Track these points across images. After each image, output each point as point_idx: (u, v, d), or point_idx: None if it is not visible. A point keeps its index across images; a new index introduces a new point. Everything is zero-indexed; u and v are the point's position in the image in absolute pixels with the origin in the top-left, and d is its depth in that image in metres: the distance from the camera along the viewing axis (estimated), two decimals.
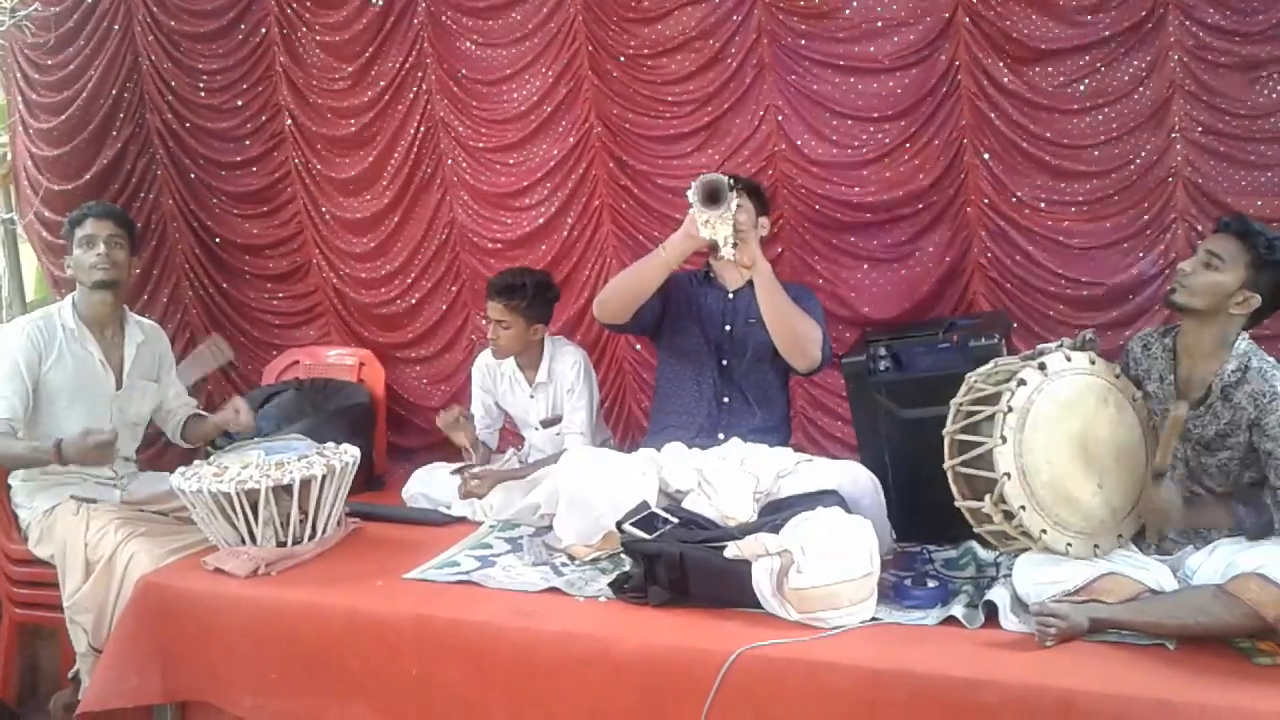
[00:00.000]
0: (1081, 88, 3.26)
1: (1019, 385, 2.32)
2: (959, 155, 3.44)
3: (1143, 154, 3.25)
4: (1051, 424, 2.32)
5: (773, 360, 3.07)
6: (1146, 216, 3.28)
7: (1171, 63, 3.18)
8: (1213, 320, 2.34)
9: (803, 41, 3.51)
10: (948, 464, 2.42)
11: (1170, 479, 2.34)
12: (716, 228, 2.84)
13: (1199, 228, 3.20)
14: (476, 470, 3.35)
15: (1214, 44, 3.13)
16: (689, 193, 2.84)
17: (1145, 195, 3.27)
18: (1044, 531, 2.28)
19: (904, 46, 3.41)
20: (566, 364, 3.46)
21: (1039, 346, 2.50)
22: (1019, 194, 3.38)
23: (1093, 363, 2.42)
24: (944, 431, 2.44)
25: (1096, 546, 2.31)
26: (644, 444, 3.13)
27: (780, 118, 3.58)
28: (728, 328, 3.13)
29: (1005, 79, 3.32)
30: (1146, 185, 3.26)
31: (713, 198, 2.81)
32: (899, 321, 3.50)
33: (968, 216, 3.47)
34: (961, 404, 2.45)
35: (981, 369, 2.50)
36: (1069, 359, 2.40)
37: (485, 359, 3.60)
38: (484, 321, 3.49)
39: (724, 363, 3.13)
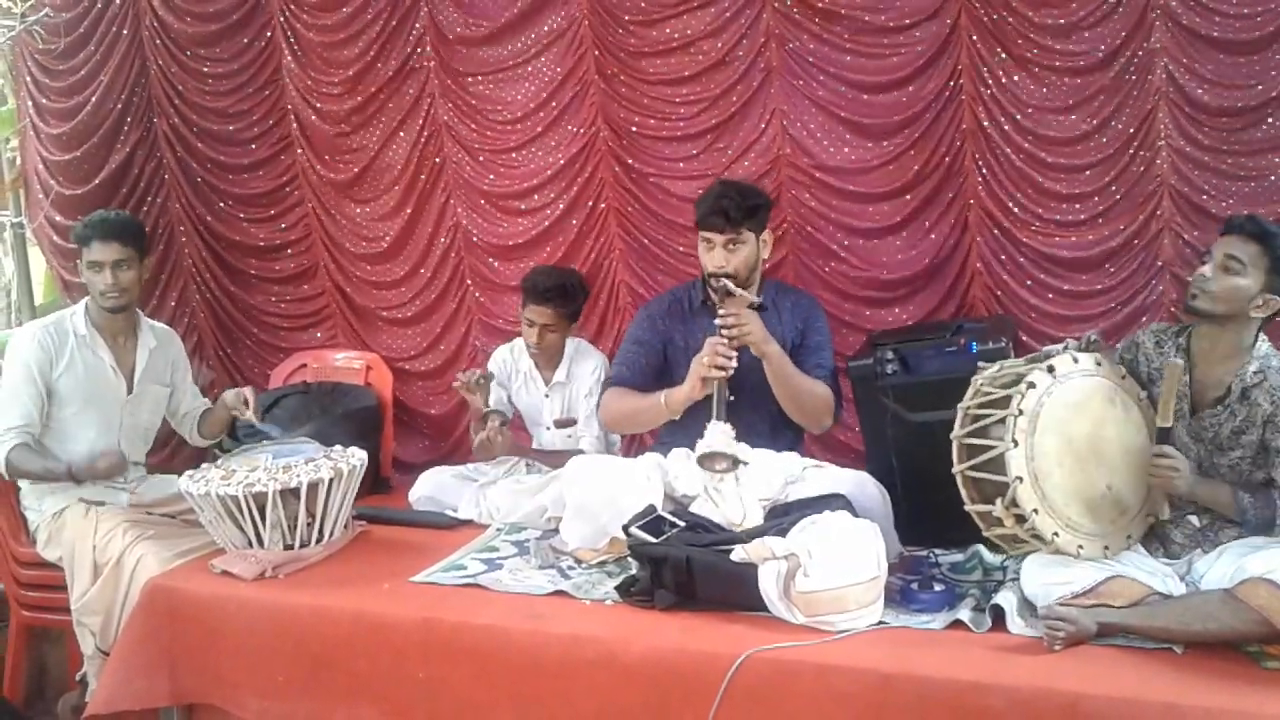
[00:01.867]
0: (1074, 99, 3.28)
1: (1028, 388, 2.32)
2: (960, 160, 3.44)
3: (1131, 165, 3.25)
4: (1061, 426, 2.32)
5: None
6: (1135, 227, 3.28)
7: (1158, 70, 3.18)
8: (1232, 325, 2.32)
9: (810, 46, 3.51)
10: (957, 468, 2.41)
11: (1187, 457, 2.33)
12: (722, 495, 2.72)
13: (1186, 237, 3.21)
14: (498, 425, 3.29)
15: (1199, 55, 3.13)
16: (696, 458, 2.71)
17: (1133, 205, 3.28)
18: (1056, 534, 2.27)
19: (910, 55, 3.42)
20: (587, 368, 3.45)
21: (1045, 349, 2.50)
22: (1014, 201, 3.38)
23: (1099, 364, 2.42)
24: (952, 436, 2.43)
25: (1106, 547, 2.30)
26: (650, 450, 3.11)
27: (785, 122, 3.58)
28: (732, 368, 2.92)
29: (1003, 89, 3.33)
30: (1135, 196, 3.27)
31: (704, 461, 2.69)
32: (902, 325, 3.50)
33: (968, 221, 3.47)
34: (969, 408, 2.43)
35: (987, 371, 2.49)
36: (1076, 360, 2.40)
37: (503, 353, 3.60)
38: (528, 325, 3.41)
39: (730, 398, 2.91)
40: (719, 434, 2.65)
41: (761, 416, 2.95)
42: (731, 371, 2.73)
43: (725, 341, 2.74)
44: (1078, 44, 3.24)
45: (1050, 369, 2.35)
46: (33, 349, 3.07)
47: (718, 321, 2.78)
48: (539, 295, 3.37)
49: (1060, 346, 2.46)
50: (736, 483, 2.70)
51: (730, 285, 2.83)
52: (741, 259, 2.90)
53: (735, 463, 2.66)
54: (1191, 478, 2.30)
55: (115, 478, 3.04)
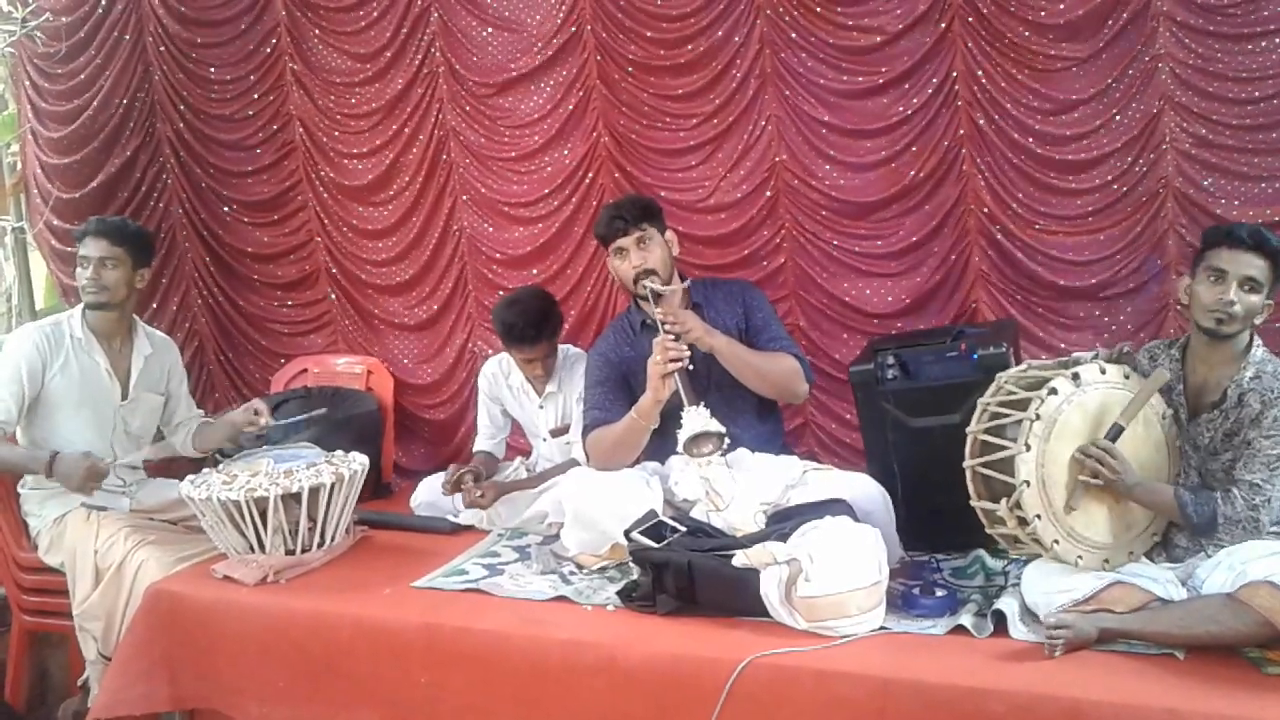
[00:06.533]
0: (1075, 100, 3.28)
1: (1050, 394, 2.30)
2: (957, 164, 3.45)
3: (1134, 166, 3.25)
4: (1077, 436, 2.30)
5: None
6: (1139, 228, 3.28)
7: (1163, 74, 3.18)
8: (1238, 334, 2.34)
9: (803, 54, 3.52)
10: (968, 462, 2.40)
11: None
12: (714, 485, 2.71)
13: (1189, 238, 3.21)
14: (482, 482, 3.33)
15: (1204, 54, 3.14)
16: (682, 446, 2.69)
17: (1137, 207, 3.28)
18: (1056, 542, 2.27)
19: (904, 60, 3.42)
20: (577, 374, 3.44)
21: (1074, 355, 2.49)
22: (1014, 204, 3.39)
23: (1127, 378, 2.40)
24: (968, 429, 2.42)
25: (1106, 561, 2.30)
26: (646, 457, 3.09)
27: (782, 129, 3.59)
28: (690, 367, 2.87)
29: (1001, 92, 3.34)
30: (1138, 197, 3.27)
31: (689, 448, 2.68)
32: (902, 330, 3.50)
33: (967, 225, 3.48)
34: (989, 404, 2.42)
35: (1013, 370, 2.48)
36: (1103, 371, 2.38)
37: (491, 368, 3.60)
38: (525, 363, 3.38)
39: (701, 401, 2.84)
40: (695, 417, 2.67)
41: (739, 409, 2.95)
42: (686, 359, 2.74)
43: (671, 337, 2.77)
44: (1077, 43, 3.24)
45: (1075, 376, 2.34)
46: (27, 349, 3.08)
47: (657, 316, 2.82)
48: (524, 338, 3.29)
49: (1090, 354, 2.45)
50: (728, 469, 2.71)
51: (657, 285, 2.88)
52: (656, 255, 2.95)
53: (721, 439, 2.67)
54: (1131, 479, 2.28)
55: (83, 492, 3.00)
